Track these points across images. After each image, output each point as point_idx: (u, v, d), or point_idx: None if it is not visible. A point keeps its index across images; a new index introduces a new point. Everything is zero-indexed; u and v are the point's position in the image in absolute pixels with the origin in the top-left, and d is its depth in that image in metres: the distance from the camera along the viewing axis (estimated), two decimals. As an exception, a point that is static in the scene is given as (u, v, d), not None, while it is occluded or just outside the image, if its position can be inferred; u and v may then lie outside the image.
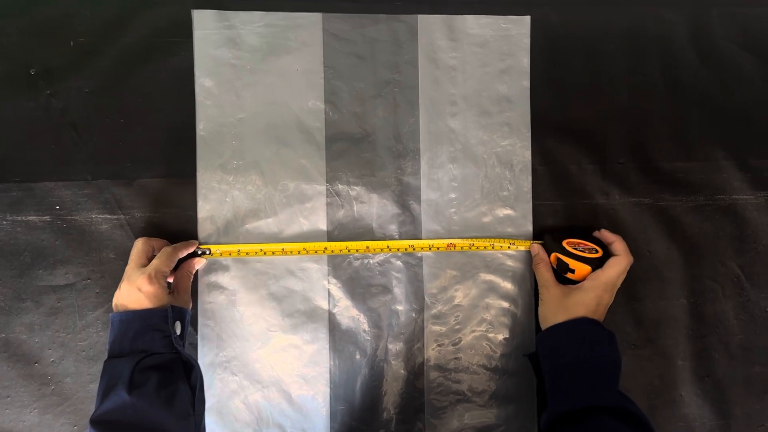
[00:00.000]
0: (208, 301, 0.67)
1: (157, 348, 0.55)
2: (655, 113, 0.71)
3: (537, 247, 0.67)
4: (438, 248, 0.68)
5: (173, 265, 0.61)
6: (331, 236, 0.68)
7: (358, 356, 0.68)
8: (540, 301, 0.64)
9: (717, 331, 0.71)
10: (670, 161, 0.71)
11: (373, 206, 0.69)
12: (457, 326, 0.69)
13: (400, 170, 0.69)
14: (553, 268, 0.65)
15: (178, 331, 0.58)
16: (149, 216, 0.66)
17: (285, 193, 0.68)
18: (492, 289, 0.69)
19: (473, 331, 0.69)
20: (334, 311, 0.68)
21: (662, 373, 0.70)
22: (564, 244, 0.65)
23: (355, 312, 0.68)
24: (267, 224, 0.68)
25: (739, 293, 0.71)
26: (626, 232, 0.70)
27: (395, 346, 0.68)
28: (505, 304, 0.69)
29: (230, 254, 0.66)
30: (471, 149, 0.69)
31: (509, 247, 0.69)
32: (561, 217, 0.70)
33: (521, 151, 0.70)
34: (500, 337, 0.69)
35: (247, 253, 0.66)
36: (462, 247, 0.68)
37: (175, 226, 0.66)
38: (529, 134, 0.70)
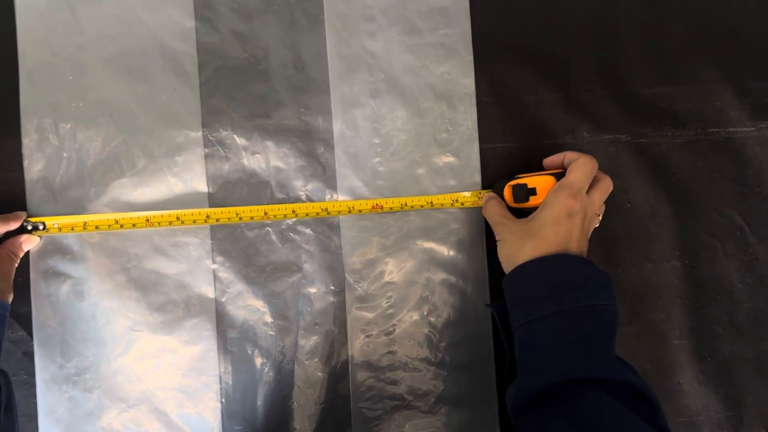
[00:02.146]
0: (45, 293, 0.49)
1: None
2: (628, 26, 0.55)
3: (488, 194, 0.52)
4: (360, 210, 0.52)
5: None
6: (214, 200, 0.51)
7: (258, 358, 0.51)
8: (498, 242, 0.48)
9: (719, 300, 0.56)
10: (649, 86, 0.56)
11: (270, 158, 0.52)
12: (390, 310, 0.52)
13: (304, 108, 0.52)
14: (509, 207, 0.51)
15: None
16: (-45, 181, 0.48)
17: (146, 144, 0.50)
18: (433, 259, 0.53)
19: (411, 316, 0.53)
20: (222, 300, 0.51)
21: (654, 355, 0.55)
22: (518, 176, 0.52)
23: (251, 300, 0.51)
24: (122, 187, 0.50)
25: (744, 250, 0.56)
26: (600, 179, 0.54)
27: (308, 342, 0.51)
28: (452, 278, 0.53)
29: (73, 228, 0.48)
30: (397, 79, 0.53)
31: (452, 205, 0.53)
32: (516, 162, 0.54)
33: (462, 79, 0.54)
34: (446, 321, 0.53)
35: (96, 227, 0.49)
36: (391, 208, 0.52)
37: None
38: (471, 57, 0.54)
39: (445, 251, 0.53)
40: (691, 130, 0.56)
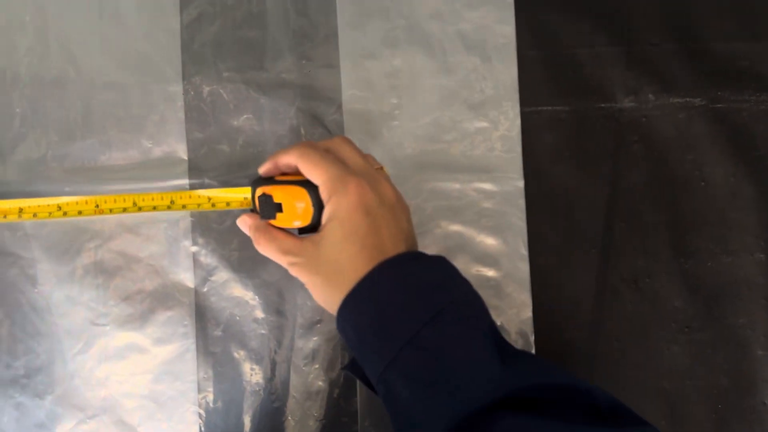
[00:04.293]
0: (-11, 278, 0.40)
1: None
2: (705, -36, 0.45)
3: (243, 219, 0.39)
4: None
5: None
6: (194, 167, 0.42)
7: (246, 362, 0.42)
8: (303, 279, 0.36)
9: (814, 302, 0.45)
10: (727, 41, 0.45)
11: (265, 119, 0.43)
12: (408, 307, 0.43)
13: (306, 60, 0.43)
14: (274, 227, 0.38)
15: None
16: None
17: (115, 99, 0.41)
18: (462, 246, 0.43)
19: (433, 315, 0.43)
20: (203, 290, 0.42)
21: (733, 368, 0.45)
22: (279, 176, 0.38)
23: (239, 290, 0.42)
24: (84, 151, 0.41)
25: None
26: (667, 151, 0.44)
27: (307, 343, 0.42)
28: (486, 271, 0.43)
29: (5, 216, 0.39)
30: (420, 25, 0.44)
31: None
32: (566, 129, 0.44)
33: (499, 26, 0.44)
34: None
35: (35, 214, 0.40)
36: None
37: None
38: (512, 0, 0.44)
39: (476, 236, 0.44)
40: (781, 93, 0.46)
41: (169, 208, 0.40)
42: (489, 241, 0.44)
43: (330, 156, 0.35)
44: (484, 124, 0.44)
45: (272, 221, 0.36)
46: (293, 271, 0.36)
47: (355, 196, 0.33)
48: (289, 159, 0.35)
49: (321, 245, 0.34)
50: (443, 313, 0.31)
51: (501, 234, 0.44)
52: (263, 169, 0.38)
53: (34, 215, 0.39)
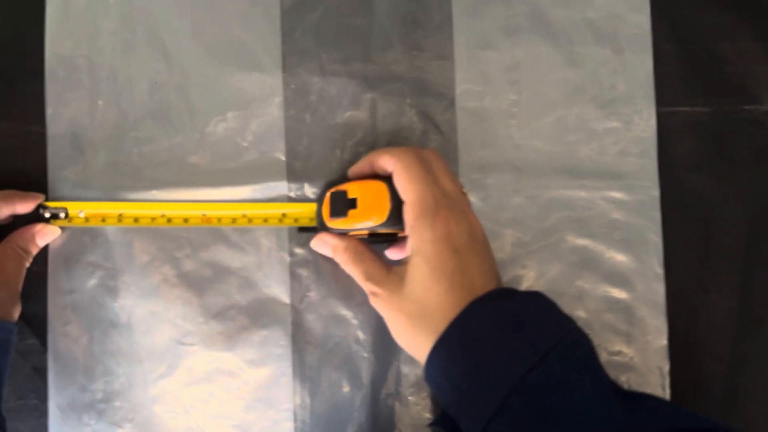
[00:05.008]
0: (66, 288, 0.36)
1: None
2: None
3: (322, 239, 0.35)
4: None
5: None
6: (294, 171, 0.37)
7: (346, 389, 0.37)
8: (383, 314, 0.32)
9: None
10: None
11: (372, 117, 0.38)
12: (526, 331, 0.38)
13: (417, 51, 0.38)
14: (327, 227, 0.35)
15: None
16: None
17: (206, 91, 0.37)
18: (589, 263, 0.38)
19: (555, 340, 0.38)
20: (300, 307, 0.37)
21: None
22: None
23: (339, 307, 0.37)
24: (173, 149, 0.37)
25: None
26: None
27: (415, 370, 0.37)
28: (616, 292, 0.38)
29: (104, 220, 0.35)
30: (543, 13, 0.39)
31: (280, 221, 0.38)
32: (705, 134, 0.39)
33: (633, 15, 0.39)
34: (612, 352, 0.38)
35: (136, 219, 0.36)
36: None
37: (3, 158, 0.37)
38: (648, -14, 0.39)
39: (605, 252, 0.38)
40: None
41: (280, 221, 0.35)
42: (619, 258, 0.38)
43: (430, 177, 0.31)
44: (615, 124, 0.39)
45: (342, 220, 0.33)
46: (374, 303, 0.33)
47: (443, 231, 0.30)
48: (387, 164, 0.32)
49: (405, 281, 0.31)
50: (550, 354, 0.27)
51: (633, 250, 0.38)
52: (355, 169, 0.35)
53: (135, 221, 0.35)
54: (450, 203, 0.31)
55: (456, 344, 0.29)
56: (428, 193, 0.31)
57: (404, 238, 0.32)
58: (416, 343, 0.30)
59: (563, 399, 0.27)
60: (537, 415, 0.26)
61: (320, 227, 0.35)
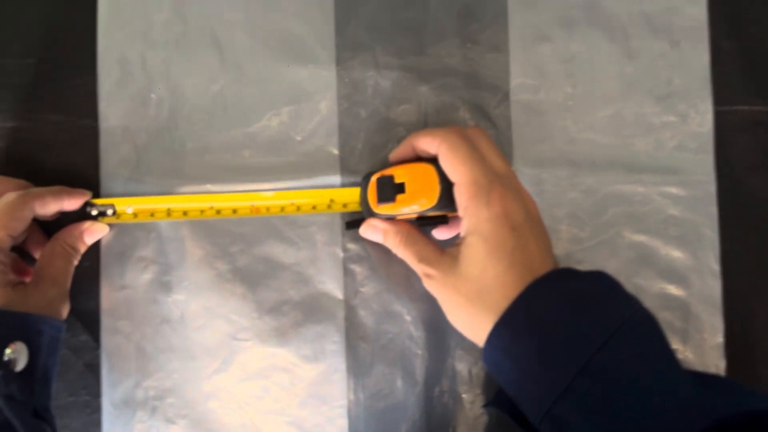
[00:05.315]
0: (119, 283, 0.36)
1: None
2: None
3: (372, 225, 0.35)
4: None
5: (22, 226, 0.32)
6: (347, 165, 0.37)
7: (400, 384, 0.37)
8: (439, 297, 0.32)
9: None
10: None
11: (426, 111, 0.37)
12: (581, 328, 0.37)
13: (471, 43, 0.38)
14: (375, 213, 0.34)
15: (21, 366, 0.30)
16: None
17: (259, 84, 0.37)
18: (645, 259, 0.38)
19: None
20: (353, 303, 0.37)
21: None
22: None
23: (392, 303, 0.37)
24: (226, 144, 0.37)
25: None
26: None
27: (469, 367, 0.37)
28: (672, 288, 0.38)
29: (153, 215, 0.35)
30: (599, 4, 0.38)
31: (329, 207, 0.37)
32: (764, 134, 0.38)
33: (689, 8, 0.38)
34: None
35: (185, 213, 0.35)
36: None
37: (56, 151, 0.36)
38: (704, -22, 0.39)
39: (661, 248, 0.38)
40: None
41: (329, 207, 0.35)
42: (675, 254, 0.38)
43: (477, 155, 0.30)
44: (672, 119, 0.38)
45: (390, 205, 0.32)
46: (428, 285, 0.32)
47: (500, 208, 0.29)
48: (430, 145, 0.31)
49: (460, 261, 0.30)
50: (618, 333, 0.27)
51: (689, 246, 0.38)
52: (397, 152, 0.34)
53: (184, 213, 0.34)
54: (503, 181, 0.30)
55: (520, 323, 0.28)
56: (479, 172, 0.30)
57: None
58: (474, 323, 0.30)
59: (631, 380, 0.26)
60: (603, 397, 0.26)
61: (367, 214, 0.35)
